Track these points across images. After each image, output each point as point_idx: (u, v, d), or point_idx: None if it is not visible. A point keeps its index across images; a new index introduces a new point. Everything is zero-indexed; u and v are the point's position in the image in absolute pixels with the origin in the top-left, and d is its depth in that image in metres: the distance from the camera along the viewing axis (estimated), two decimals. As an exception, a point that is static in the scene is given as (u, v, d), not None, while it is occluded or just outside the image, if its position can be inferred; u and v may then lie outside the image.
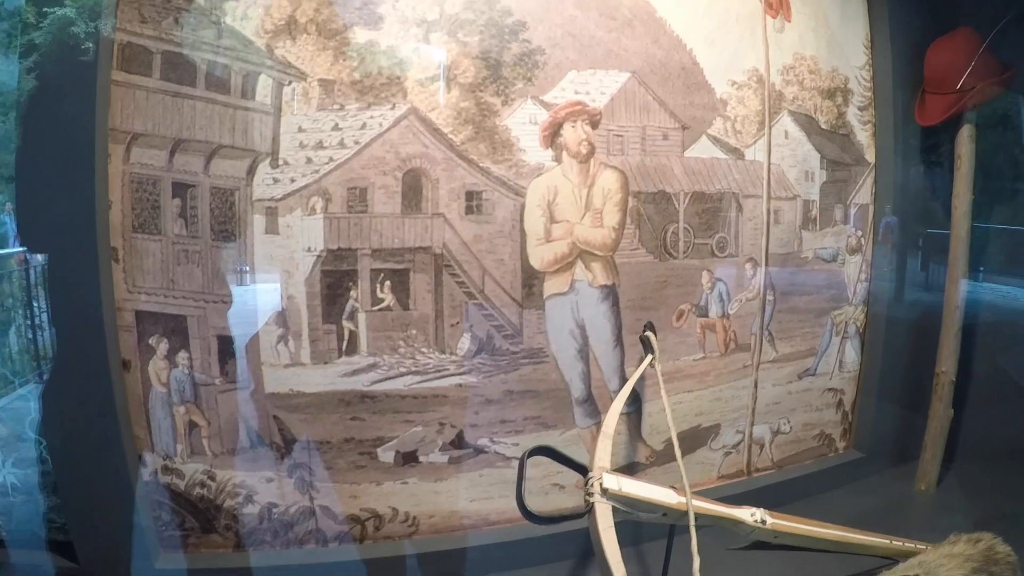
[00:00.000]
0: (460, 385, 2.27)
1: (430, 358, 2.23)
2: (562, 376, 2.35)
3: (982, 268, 3.31)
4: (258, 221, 2.07)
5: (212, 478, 2.19)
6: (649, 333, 2.33)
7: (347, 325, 2.17)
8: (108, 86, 1.94)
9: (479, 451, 2.33)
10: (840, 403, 2.86)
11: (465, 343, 2.25)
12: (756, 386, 2.63)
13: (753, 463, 2.70)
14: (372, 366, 2.19)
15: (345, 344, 2.16)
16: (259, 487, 2.21)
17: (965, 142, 2.70)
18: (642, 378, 2.41)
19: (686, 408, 2.53)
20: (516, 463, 2.31)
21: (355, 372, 2.19)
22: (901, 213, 2.93)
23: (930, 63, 2.72)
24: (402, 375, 2.22)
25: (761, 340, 2.59)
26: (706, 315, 2.48)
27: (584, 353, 2.36)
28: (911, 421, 2.90)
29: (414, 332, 2.21)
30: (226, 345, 2.12)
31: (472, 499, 2.36)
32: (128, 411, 2.06)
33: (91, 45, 1.84)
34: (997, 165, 3.25)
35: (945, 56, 2.69)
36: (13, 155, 1.89)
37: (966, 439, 2.97)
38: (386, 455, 2.26)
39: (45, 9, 1.80)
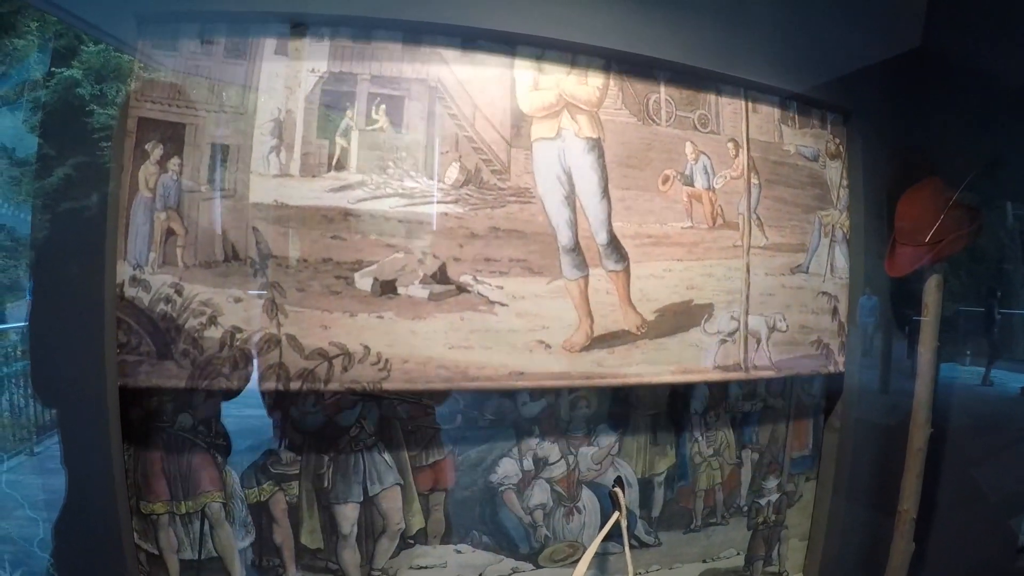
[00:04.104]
0: (445, 214, 2.25)
1: (418, 182, 2.24)
2: (549, 220, 2.33)
3: (969, 352, 3.33)
4: (268, 42, 2.22)
5: (179, 292, 2.11)
6: (617, 489, 2.40)
7: (340, 141, 2.21)
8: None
9: (461, 289, 2.24)
10: (835, 311, 2.74)
11: (453, 172, 2.27)
12: (748, 271, 2.56)
13: (751, 360, 2.54)
14: (360, 183, 2.19)
15: (336, 160, 2.20)
16: (225, 306, 2.12)
17: (932, 292, 2.68)
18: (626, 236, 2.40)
19: (676, 278, 2.45)
20: (499, 309, 2.24)
21: (342, 188, 2.19)
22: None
23: (900, 215, 2.73)
24: (388, 196, 2.21)
25: (749, 222, 2.57)
26: (692, 184, 2.50)
27: (571, 200, 2.35)
28: (874, 551, 2.80)
29: (404, 155, 2.24)
30: (218, 153, 2.16)
31: (451, 346, 2.23)
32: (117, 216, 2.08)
33: (95, 108, 2.06)
34: (980, 247, 3.26)
35: (914, 208, 2.70)
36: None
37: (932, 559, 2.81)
38: (363, 281, 2.18)
39: (53, 69, 2.05)
